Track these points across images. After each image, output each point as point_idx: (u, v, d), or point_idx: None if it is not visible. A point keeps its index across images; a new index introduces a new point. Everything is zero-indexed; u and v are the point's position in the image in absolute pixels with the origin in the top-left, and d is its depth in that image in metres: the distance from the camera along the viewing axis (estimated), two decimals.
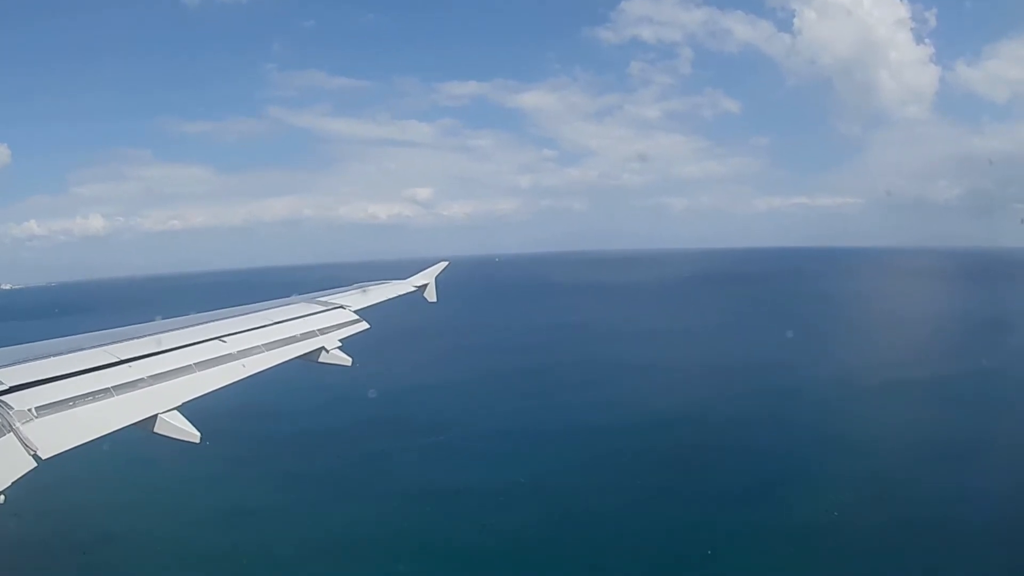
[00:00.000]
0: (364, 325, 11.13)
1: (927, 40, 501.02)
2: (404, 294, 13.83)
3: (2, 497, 5.03)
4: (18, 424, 5.60)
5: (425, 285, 14.49)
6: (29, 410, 5.80)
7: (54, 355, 6.98)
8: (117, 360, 7.21)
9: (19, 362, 6.62)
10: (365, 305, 11.96)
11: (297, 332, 9.85)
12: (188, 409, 7.15)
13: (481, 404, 64.40)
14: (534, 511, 39.44)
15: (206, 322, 9.28)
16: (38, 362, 6.69)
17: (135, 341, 7.88)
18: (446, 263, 15.64)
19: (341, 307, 11.34)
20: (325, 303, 11.41)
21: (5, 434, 5.44)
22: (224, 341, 8.69)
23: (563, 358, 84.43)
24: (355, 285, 13.08)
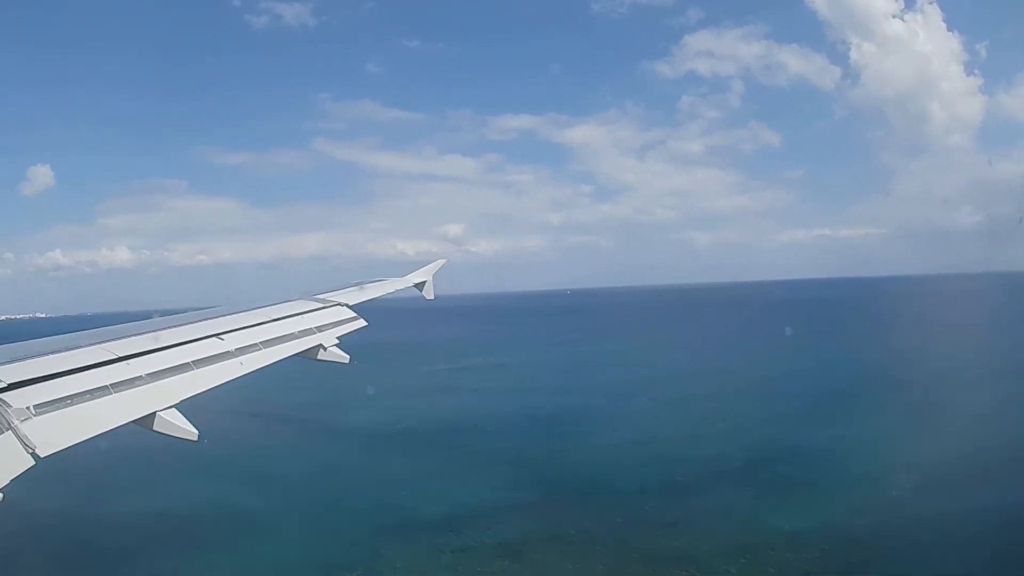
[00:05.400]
0: (362, 322, 11.14)
1: (976, 71, 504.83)
2: (401, 289, 13.87)
3: (1, 495, 5.03)
4: (16, 422, 5.58)
5: (423, 282, 14.50)
6: (27, 408, 5.78)
7: (52, 352, 6.95)
8: (115, 357, 7.18)
9: (17, 359, 6.58)
10: (362, 300, 11.98)
11: (295, 329, 9.84)
12: (186, 407, 7.14)
13: None
14: None
15: (204, 320, 9.27)
16: (36, 359, 6.65)
17: (133, 338, 7.86)
18: (444, 261, 15.65)
19: (339, 304, 11.35)
20: (323, 300, 11.40)
21: (3, 432, 5.42)
22: (222, 339, 8.67)
23: None
24: (353, 283, 13.09)
